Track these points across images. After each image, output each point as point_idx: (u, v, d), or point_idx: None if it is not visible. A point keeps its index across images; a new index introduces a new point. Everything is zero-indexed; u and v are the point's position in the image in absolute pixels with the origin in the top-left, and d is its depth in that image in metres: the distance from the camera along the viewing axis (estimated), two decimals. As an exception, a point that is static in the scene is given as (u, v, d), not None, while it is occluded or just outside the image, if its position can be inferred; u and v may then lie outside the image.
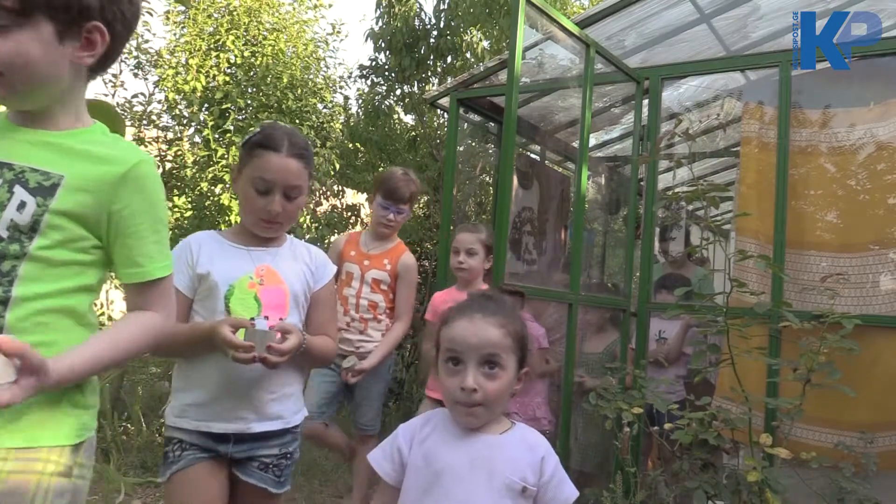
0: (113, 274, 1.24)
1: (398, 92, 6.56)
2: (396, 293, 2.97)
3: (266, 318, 1.71)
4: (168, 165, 5.67)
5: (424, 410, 2.82)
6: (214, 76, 5.56)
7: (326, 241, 5.13)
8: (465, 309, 1.37)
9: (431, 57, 6.18)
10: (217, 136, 5.49)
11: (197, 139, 5.69)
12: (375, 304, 2.94)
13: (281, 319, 1.73)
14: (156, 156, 5.77)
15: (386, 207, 2.96)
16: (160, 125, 5.79)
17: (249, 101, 5.67)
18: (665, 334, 3.61)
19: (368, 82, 6.76)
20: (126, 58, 5.70)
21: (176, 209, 5.25)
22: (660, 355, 3.37)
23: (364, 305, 2.92)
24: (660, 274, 3.86)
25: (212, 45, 5.65)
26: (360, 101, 6.93)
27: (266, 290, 1.75)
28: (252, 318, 1.68)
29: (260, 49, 5.83)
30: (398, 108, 6.64)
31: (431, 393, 2.89)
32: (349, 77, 7.08)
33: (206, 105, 5.54)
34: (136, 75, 5.87)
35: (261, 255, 1.81)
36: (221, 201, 5.20)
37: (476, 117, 4.43)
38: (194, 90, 5.41)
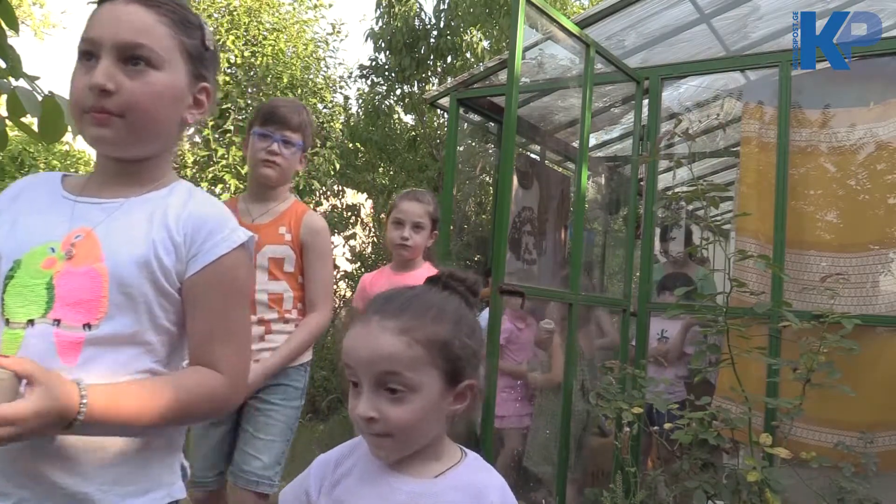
0: None
1: (398, 92, 6.57)
2: (305, 271, 2.07)
3: (57, 322, 0.97)
4: (168, 165, 5.66)
5: None
6: (214, 76, 5.57)
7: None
8: (368, 309, 1.02)
9: (431, 57, 6.19)
10: (217, 136, 5.51)
11: (197, 139, 5.70)
12: (279, 295, 2.03)
13: (87, 327, 0.97)
14: (156, 156, 5.78)
15: (267, 136, 2.04)
16: (160, 125, 5.80)
17: (249, 101, 5.68)
18: (667, 333, 3.61)
19: (368, 82, 6.78)
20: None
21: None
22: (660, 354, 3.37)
23: (263, 301, 2.01)
24: (661, 274, 3.86)
25: (212, 45, 5.66)
26: (360, 101, 6.94)
27: (68, 274, 0.98)
28: (29, 321, 0.97)
29: (260, 49, 5.84)
30: (398, 108, 6.65)
31: None
32: (349, 77, 7.08)
33: (205, 105, 5.55)
34: (136, 75, 5.87)
35: (89, 210, 1.04)
36: (221, 200, 5.21)
37: (476, 117, 4.43)
38: (194, 90, 5.41)
